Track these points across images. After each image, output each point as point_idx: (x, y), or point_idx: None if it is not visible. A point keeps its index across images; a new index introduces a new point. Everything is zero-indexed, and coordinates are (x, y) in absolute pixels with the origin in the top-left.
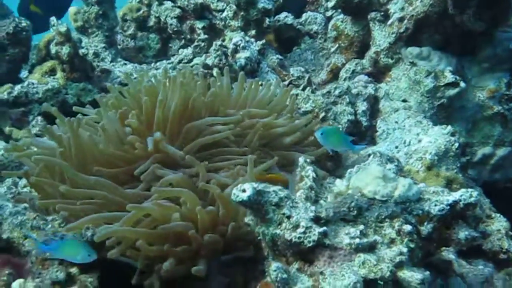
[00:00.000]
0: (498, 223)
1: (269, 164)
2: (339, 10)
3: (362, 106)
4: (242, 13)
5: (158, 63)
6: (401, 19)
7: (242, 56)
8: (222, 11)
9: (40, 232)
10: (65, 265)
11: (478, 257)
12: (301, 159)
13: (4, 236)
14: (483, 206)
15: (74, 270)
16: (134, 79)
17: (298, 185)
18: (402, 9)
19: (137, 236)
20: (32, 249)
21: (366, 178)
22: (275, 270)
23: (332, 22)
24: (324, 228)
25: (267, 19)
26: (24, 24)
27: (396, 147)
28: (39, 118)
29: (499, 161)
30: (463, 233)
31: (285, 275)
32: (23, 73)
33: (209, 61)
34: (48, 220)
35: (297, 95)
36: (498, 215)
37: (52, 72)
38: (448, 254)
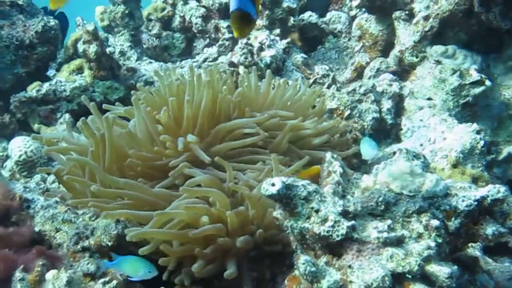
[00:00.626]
0: None
1: (299, 164)
2: (363, 9)
3: (387, 104)
4: (267, 12)
5: (183, 62)
6: (426, 18)
7: (267, 54)
8: None
9: (71, 225)
10: (96, 258)
11: (504, 254)
12: (328, 155)
13: (36, 229)
14: (509, 203)
15: None
16: (163, 76)
17: (325, 180)
18: (427, 7)
19: (166, 238)
20: (63, 242)
21: (393, 173)
22: (303, 263)
23: (356, 21)
24: (353, 222)
25: (292, 18)
26: (52, 23)
27: (421, 145)
28: (67, 115)
29: None
30: (490, 229)
31: (313, 268)
32: (51, 72)
33: (235, 59)
34: (79, 214)
35: (321, 93)
36: None
37: (79, 70)
38: (474, 251)
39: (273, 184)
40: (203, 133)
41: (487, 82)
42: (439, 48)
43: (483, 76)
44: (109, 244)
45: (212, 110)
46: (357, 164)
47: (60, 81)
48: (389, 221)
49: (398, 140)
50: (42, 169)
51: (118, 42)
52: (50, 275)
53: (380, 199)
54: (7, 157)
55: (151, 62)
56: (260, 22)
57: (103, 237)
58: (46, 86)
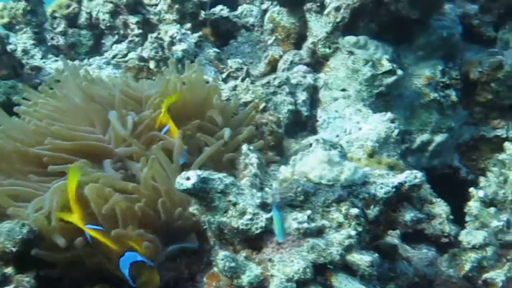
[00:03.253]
0: (439, 207)
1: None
2: (275, 3)
3: (302, 96)
4: (177, 6)
5: (91, 60)
6: (337, 9)
7: (179, 48)
8: (156, 5)
9: None
10: (0, 265)
11: (421, 241)
12: (244, 147)
13: None
14: (425, 190)
15: (9, 270)
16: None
17: (242, 173)
18: None
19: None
20: None
21: (311, 163)
22: (222, 259)
23: (268, 14)
24: (271, 213)
25: (203, 12)
26: None
27: (337, 136)
28: None
29: (437, 148)
30: (408, 215)
31: (233, 264)
32: None
33: (145, 54)
34: None
35: (236, 86)
36: (438, 199)
37: None
38: (393, 239)
39: (188, 178)
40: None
41: (399, 72)
42: (351, 39)
43: (394, 65)
44: (13, 250)
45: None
46: (275, 155)
47: None
48: (308, 212)
49: (314, 132)
50: None
51: (21, 40)
52: None
53: (299, 189)
54: None
55: (57, 60)
56: (170, 16)
57: (7, 242)
58: None
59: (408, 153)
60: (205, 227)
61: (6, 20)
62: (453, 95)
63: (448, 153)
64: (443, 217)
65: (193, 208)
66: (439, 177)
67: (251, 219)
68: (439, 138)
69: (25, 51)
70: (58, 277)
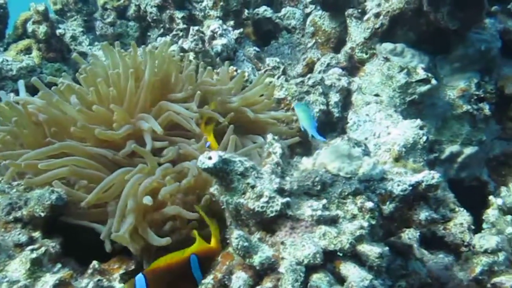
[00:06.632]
0: (461, 217)
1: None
2: (318, 7)
3: (334, 97)
4: (221, 3)
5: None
6: (377, 15)
7: (219, 43)
8: (202, 1)
9: (5, 195)
10: (28, 229)
11: (440, 249)
12: (269, 136)
13: None
14: (447, 200)
15: (37, 234)
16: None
17: (265, 160)
18: (379, 5)
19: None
20: None
21: (332, 155)
22: (236, 238)
23: (310, 17)
24: (287, 198)
25: (246, 11)
26: (1, 1)
27: (366, 139)
28: (12, 95)
29: (466, 160)
30: (423, 214)
31: (246, 243)
32: None
33: (186, 46)
34: (13, 185)
35: (270, 82)
36: (461, 209)
37: (27, 50)
38: (411, 241)
39: (210, 158)
40: (147, 106)
41: (433, 81)
42: (388, 46)
43: (429, 75)
44: (42, 214)
45: (156, 82)
46: (302, 153)
47: (7, 60)
48: (324, 201)
49: (344, 133)
50: None
51: (70, 27)
52: None
53: (317, 179)
54: None
55: None
56: (214, 13)
57: (36, 207)
58: None
59: (437, 163)
60: (223, 207)
61: (58, 6)
62: (486, 108)
63: (477, 166)
64: (465, 227)
65: (213, 188)
66: (466, 189)
67: (267, 202)
68: (469, 150)
69: (74, 37)
70: (82, 245)
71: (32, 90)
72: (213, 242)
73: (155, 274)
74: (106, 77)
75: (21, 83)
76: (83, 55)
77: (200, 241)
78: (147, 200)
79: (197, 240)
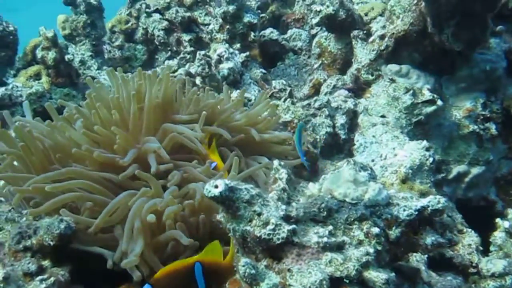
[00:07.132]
0: (469, 238)
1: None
2: (324, 28)
3: (340, 119)
4: (228, 26)
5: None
6: (382, 37)
7: (225, 66)
8: (209, 24)
9: (14, 224)
10: (37, 258)
11: (448, 270)
12: (275, 162)
13: None
14: (455, 220)
15: (46, 262)
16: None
17: (271, 186)
18: (384, 27)
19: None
20: (5, 241)
21: (337, 181)
22: (243, 266)
23: (316, 39)
24: (293, 225)
25: (252, 33)
26: (11, 28)
27: (372, 161)
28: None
29: (473, 180)
30: (429, 239)
31: (253, 271)
32: (8, 77)
33: (192, 70)
34: (23, 213)
35: (277, 106)
36: (469, 230)
37: (37, 76)
38: (418, 264)
39: (216, 186)
40: (150, 129)
41: (439, 102)
42: (394, 67)
43: (435, 95)
44: (51, 243)
45: (157, 105)
46: (308, 176)
47: (17, 86)
48: (330, 227)
49: (350, 155)
50: None
51: (79, 51)
52: None
53: (323, 205)
54: None
55: None
56: (221, 36)
57: (45, 236)
58: (1, 90)
59: (444, 183)
60: (230, 234)
61: (67, 31)
62: (493, 128)
63: (484, 186)
64: (473, 248)
65: (220, 216)
66: (473, 209)
67: (273, 230)
68: (476, 170)
69: (82, 62)
70: (90, 272)
71: (41, 115)
72: (228, 258)
73: (161, 281)
74: (109, 101)
75: (25, 105)
76: (92, 79)
77: (207, 251)
78: (151, 218)
79: (204, 249)
